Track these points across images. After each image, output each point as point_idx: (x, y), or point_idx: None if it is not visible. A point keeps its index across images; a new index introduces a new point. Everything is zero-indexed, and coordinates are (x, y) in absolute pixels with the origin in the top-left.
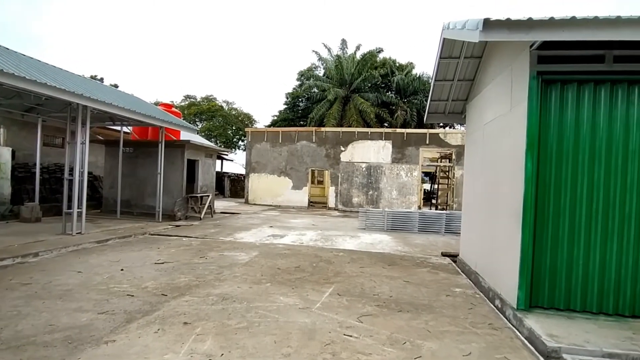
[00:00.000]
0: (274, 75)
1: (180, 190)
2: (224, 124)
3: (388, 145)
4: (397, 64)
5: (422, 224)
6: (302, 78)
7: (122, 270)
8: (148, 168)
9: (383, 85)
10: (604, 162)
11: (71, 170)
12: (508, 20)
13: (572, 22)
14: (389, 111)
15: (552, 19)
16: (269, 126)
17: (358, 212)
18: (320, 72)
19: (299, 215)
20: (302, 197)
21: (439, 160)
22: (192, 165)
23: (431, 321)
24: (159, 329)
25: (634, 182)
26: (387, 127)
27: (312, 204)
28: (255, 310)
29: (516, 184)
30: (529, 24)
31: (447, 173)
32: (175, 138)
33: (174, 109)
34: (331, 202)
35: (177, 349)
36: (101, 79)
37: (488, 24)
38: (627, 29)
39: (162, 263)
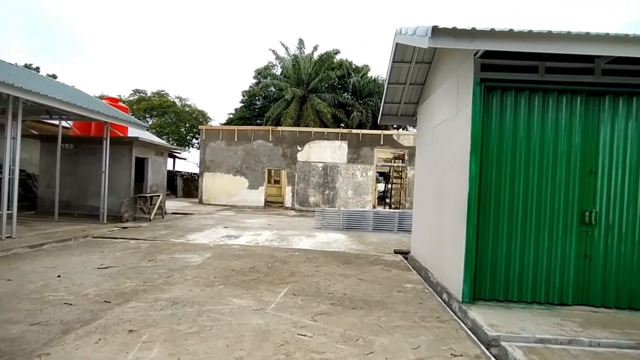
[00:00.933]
0: (230, 73)
1: (128, 190)
2: (176, 121)
3: (344, 145)
4: (354, 66)
5: (376, 222)
6: (259, 76)
7: (59, 276)
8: (91, 166)
9: (340, 87)
10: (537, 164)
11: (0, 167)
12: (454, 28)
13: (510, 34)
14: (345, 112)
15: (492, 30)
16: (225, 124)
17: (314, 211)
18: (278, 70)
19: (255, 215)
20: (258, 196)
21: (393, 160)
22: (141, 163)
23: (383, 317)
24: (100, 339)
25: (562, 182)
26: (343, 127)
27: (268, 203)
28: (207, 313)
29: (461, 184)
30: (473, 34)
31: (400, 173)
32: (122, 134)
33: (120, 103)
34: (288, 201)
35: (121, 358)
36: (37, 69)
37: (436, 31)
38: (557, 43)
39: (106, 268)
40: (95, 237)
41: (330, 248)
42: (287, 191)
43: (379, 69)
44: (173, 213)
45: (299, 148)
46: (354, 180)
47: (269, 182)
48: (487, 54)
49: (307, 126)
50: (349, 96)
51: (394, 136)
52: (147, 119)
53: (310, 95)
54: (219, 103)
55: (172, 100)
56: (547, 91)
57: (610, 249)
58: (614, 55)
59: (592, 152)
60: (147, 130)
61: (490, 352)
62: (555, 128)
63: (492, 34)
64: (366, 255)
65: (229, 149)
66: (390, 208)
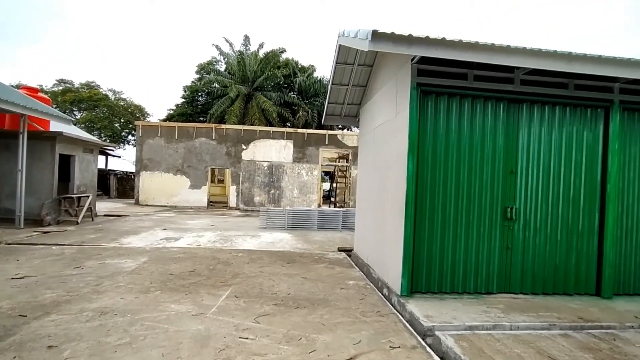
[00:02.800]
0: (171, 67)
1: (51, 191)
2: (109, 116)
3: (290, 144)
4: (300, 66)
5: (321, 221)
6: (202, 72)
7: None
8: (5, 164)
9: (286, 86)
10: (467, 164)
11: None
12: (392, 34)
13: (442, 42)
14: (291, 111)
15: (427, 37)
16: (165, 120)
17: (259, 211)
18: (222, 67)
19: (198, 215)
20: (201, 196)
21: (337, 160)
22: (66, 161)
23: (326, 315)
24: (15, 357)
25: (488, 181)
26: (289, 127)
27: (212, 203)
28: (141, 322)
29: (400, 183)
30: (410, 40)
31: (344, 172)
32: (43, 129)
33: (41, 94)
34: (232, 201)
35: None
36: None
37: (376, 35)
38: (483, 53)
39: (22, 278)
40: (9, 244)
41: (275, 248)
42: (232, 191)
43: (325, 69)
44: (105, 215)
45: (244, 147)
46: (299, 179)
47: (212, 181)
48: (424, 60)
49: (252, 125)
50: (295, 96)
51: (338, 136)
52: (74, 112)
53: (255, 94)
54: (158, 98)
55: (104, 93)
56: (476, 97)
57: (527, 241)
58: (530, 67)
59: (513, 154)
60: (75, 124)
61: (425, 342)
62: (482, 131)
63: (427, 41)
64: (311, 254)
65: (169, 146)
66: (335, 207)
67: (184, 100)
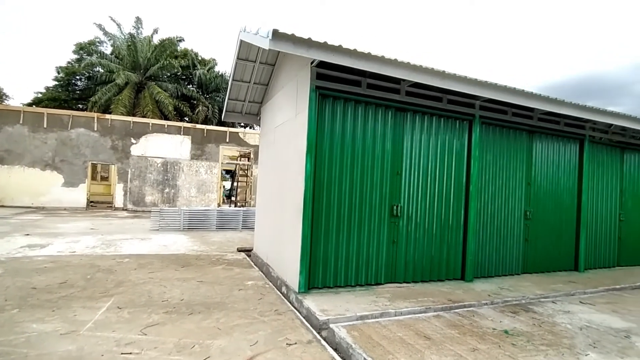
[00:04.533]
0: (40, 42)
1: None
2: None
3: (187, 140)
4: (200, 58)
5: (220, 221)
6: (82, 52)
7: None
8: None
9: (184, 77)
10: (360, 165)
11: None
12: (292, 35)
13: (339, 49)
14: (190, 105)
15: (325, 43)
16: (30, 105)
17: (151, 212)
18: (108, 49)
19: (74, 218)
20: (78, 196)
21: (239, 158)
22: None
23: (222, 318)
24: None
25: (378, 181)
26: (187, 121)
27: (93, 204)
28: None
29: (298, 182)
30: (309, 43)
31: (246, 171)
32: None
33: None
34: (119, 201)
35: None
36: None
37: (276, 35)
38: (375, 63)
39: None
40: None
41: (168, 251)
42: (118, 189)
43: (228, 64)
44: None
45: (134, 141)
46: (198, 177)
47: (93, 178)
48: (324, 65)
49: (144, 117)
50: (195, 89)
51: (240, 134)
52: None
53: (149, 83)
54: (22, 78)
55: None
56: (368, 104)
57: (409, 235)
58: (413, 80)
59: (399, 157)
60: None
61: (321, 336)
62: (374, 135)
63: (325, 46)
64: (208, 256)
65: (36, 136)
66: (235, 206)
67: (57, 83)
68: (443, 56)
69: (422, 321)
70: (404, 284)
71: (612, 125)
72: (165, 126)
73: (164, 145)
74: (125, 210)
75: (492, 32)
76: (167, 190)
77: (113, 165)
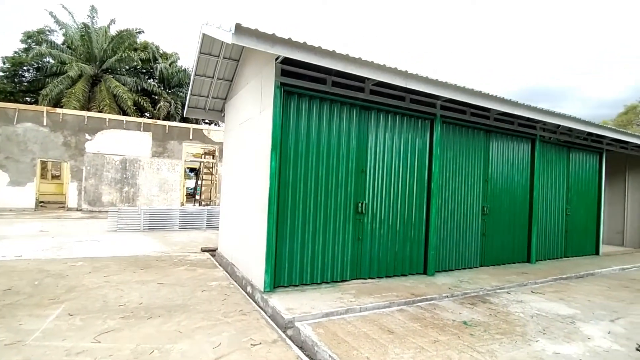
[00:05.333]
0: None
1: None
2: None
3: (148, 137)
4: (161, 52)
5: (183, 221)
6: (30, 41)
7: None
8: None
9: (145, 71)
10: (326, 163)
11: None
12: (256, 30)
13: (303, 46)
14: (152, 101)
15: (289, 39)
16: None
17: (108, 212)
18: (59, 39)
19: (21, 219)
20: (26, 195)
21: (203, 156)
22: None
23: (184, 321)
24: None
25: (343, 179)
26: (149, 117)
27: (43, 204)
28: None
29: (263, 180)
30: (273, 39)
31: (210, 169)
32: None
33: None
34: (72, 201)
35: None
36: None
37: (239, 29)
38: (340, 62)
39: None
40: None
41: (126, 253)
42: (72, 188)
43: (192, 59)
44: None
45: (89, 137)
46: (159, 176)
47: (43, 177)
48: (289, 61)
49: (100, 111)
50: (156, 84)
51: (204, 131)
52: None
53: (105, 76)
54: None
55: None
56: (334, 101)
57: (374, 232)
58: (376, 79)
59: (364, 155)
60: None
61: (286, 334)
62: (339, 133)
63: (289, 43)
64: (170, 257)
65: None
66: (200, 205)
67: (2, 74)
68: (442, 56)
69: (386, 316)
70: (369, 280)
71: (559, 126)
72: (124, 122)
73: (122, 141)
74: (80, 210)
75: (487, 34)
76: (126, 189)
77: (65, 163)
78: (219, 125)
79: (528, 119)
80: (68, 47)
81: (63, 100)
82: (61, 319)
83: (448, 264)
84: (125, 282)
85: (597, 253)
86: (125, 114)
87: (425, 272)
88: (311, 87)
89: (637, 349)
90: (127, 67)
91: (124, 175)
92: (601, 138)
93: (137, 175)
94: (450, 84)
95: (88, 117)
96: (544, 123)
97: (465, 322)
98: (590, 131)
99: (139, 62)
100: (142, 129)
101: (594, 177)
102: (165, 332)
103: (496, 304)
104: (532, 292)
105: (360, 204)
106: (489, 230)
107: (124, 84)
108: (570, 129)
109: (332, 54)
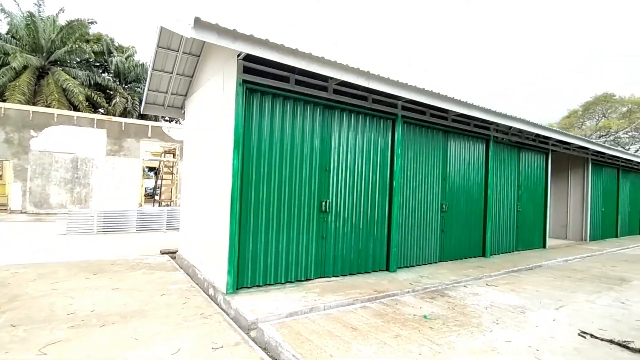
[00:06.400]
0: None
1: None
2: None
3: (102, 134)
4: (117, 44)
5: (141, 222)
6: None
7: None
8: None
9: (98, 65)
10: (289, 162)
11: None
12: (217, 25)
13: (266, 43)
14: (106, 96)
15: (251, 35)
16: None
17: (57, 214)
18: (3, 28)
19: None
20: None
21: (163, 155)
22: None
23: (141, 327)
24: None
25: (307, 178)
26: (103, 113)
27: None
28: None
29: (226, 179)
30: (235, 35)
31: (171, 168)
32: None
33: None
34: (16, 203)
35: None
36: None
37: (199, 23)
38: (303, 60)
39: None
40: None
41: (77, 257)
42: (15, 189)
43: (151, 53)
44: None
45: (34, 133)
46: (115, 175)
47: None
48: (251, 58)
49: (48, 106)
50: (111, 78)
51: (164, 128)
52: None
53: (54, 69)
54: None
55: None
56: (297, 100)
57: (337, 230)
58: (339, 79)
59: (327, 154)
60: None
61: (249, 336)
62: (302, 132)
63: (251, 39)
64: (126, 261)
65: None
66: (160, 206)
67: None
68: (433, 55)
69: (350, 313)
70: (333, 278)
71: (511, 127)
72: (75, 118)
73: (73, 139)
74: (25, 213)
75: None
76: (78, 189)
77: (7, 162)
78: (179, 123)
79: (483, 121)
80: (12, 37)
81: (6, 94)
82: (2, 330)
83: (409, 260)
84: (76, 289)
85: (544, 246)
86: (76, 109)
87: (387, 269)
88: (274, 85)
89: (579, 334)
90: (79, 60)
91: (76, 175)
92: (547, 139)
93: (90, 175)
94: (411, 85)
95: (34, 112)
96: (497, 124)
97: (425, 316)
98: (538, 133)
99: (92, 54)
100: (95, 126)
101: (541, 176)
102: (119, 341)
103: (454, 297)
104: (486, 284)
105: (324, 203)
106: (448, 227)
107: (74, 78)
108: (520, 131)
109: (294, 52)
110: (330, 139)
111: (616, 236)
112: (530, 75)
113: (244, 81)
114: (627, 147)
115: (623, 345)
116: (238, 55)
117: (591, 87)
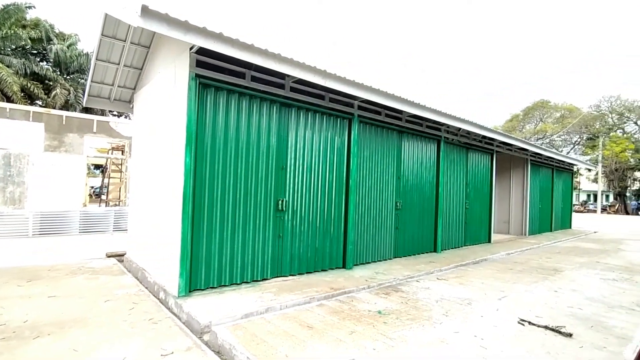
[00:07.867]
0: None
1: None
2: None
3: (39, 128)
4: (57, 31)
5: (85, 223)
6: None
7: None
8: None
9: (36, 52)
10: (245, 160)
11: None
12: (167, 15)
13: (219, 36)
14: (45, 87)
15: (204, 28)
16: None
17: None
18: None
19: None
20: None
21: (110, 151)
22: None
23: (82, 337)
24: None
25: (263, 176)
26: (41, 106)
27: None
28: None
29: (178, 177)
30: (187, 26)
31: (119, 166)
32: None
33: None
34: None
35: None
36: None
37: (146, 12)
38: (259, 56)
39: None
40: None
41: (8, 264)
42: None
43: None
44: None
45: None
46: (55, 173)
47: None
48: (205, 52)
49: None
50: (50, 68)
51: (111, 123)
52: None
53: None
54: None
55: None
56: (253, 97)
57: (294, 229)
58: (296, 77)
59: (284, 152)
60: None
61: (202, 340)
62: (259, 129)
63: (204, 32)
64: (66, 265)
65: None
66: (107, 205)
67: None
68: (431, 55)
69: (307, 311)
70: (290, 277)
71: (460, 129)
72: (7, 110)
73: (5, 133)
74: None
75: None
76: (10, 188)
77: None
78: (129, 118)
79: (434, 122)
80: None
81: None
82: None
83: (365, 257)
84: (6, 298)
85: (489, 241)
86: (10, 100)
87: (344, 266)
88: (230, 80)
89: (519, 322)
90: (14, 47)
91: (8, 173)
92: (492, 141)
93: (24, 173)
94: (366, 85)
95: None
96: (448, 126)
97: (379, 312)
98: (484, 134)
99: (29, 41)
100: (31, 119)
101: (487, 175)
102: (56, 353)
103: (407, 292)
104: (437, 279)
105: (280, 201)
106: (402, 224)
107: (8, 66)
108: (468, 132)
109: (250, 47)
110: (287, 137)
111: (551, 230)
112: (527, 75)
113: (197, 75)
114: (560, 149)
115: (556, 331)
116: (191, 49)
117: (591, 87)
